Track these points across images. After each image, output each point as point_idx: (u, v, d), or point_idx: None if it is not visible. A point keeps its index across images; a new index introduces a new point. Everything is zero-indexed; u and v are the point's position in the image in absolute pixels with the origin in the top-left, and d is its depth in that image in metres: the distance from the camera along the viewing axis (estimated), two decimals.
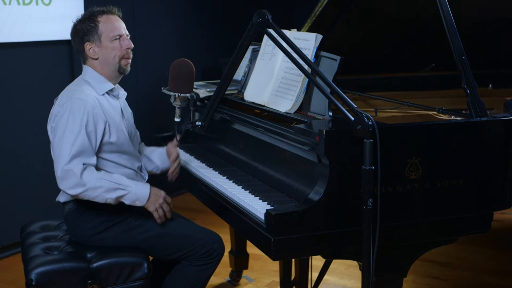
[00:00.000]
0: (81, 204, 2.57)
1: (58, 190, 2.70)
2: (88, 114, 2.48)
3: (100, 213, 2.56)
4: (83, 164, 2.42)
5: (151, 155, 2.88)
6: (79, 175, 2.40)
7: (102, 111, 2.53)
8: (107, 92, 2.62)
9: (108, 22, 2.59)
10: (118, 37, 2.60)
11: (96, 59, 2.60)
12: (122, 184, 2.47)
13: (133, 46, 2.64)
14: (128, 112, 2.75)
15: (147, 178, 2.78)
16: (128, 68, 2.66)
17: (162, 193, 2.57)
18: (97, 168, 2.51)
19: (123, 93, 2.73)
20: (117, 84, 2.70)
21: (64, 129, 2.46)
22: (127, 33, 2.65)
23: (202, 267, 2.57)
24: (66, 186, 2.43)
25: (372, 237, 2.00)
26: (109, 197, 2.45)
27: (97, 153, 2.53)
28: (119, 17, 2.65)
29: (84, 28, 2.58)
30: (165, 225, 2.61)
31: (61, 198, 2.63)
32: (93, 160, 2.48)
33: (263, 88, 2.65)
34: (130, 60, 2.65)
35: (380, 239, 2.02)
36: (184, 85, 2.63)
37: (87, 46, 2.59)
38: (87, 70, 2.64)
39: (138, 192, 2.50)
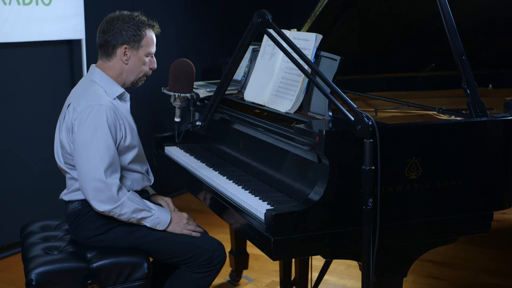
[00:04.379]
0: (85, 205, 2.56)
1: (58, 190, 2.71)
2: (109, 122, 2.47)
3: (102, 215, 2.55)
4: (118, 181, 2.46)
5: None
6: (116, 192, 2.43)
7: (118, 115, 2.53)
8: (117, 96, 2.62)
9: (150, 38, 2.64)
10: (151, 55, 2.65)
11: (126, 64, 2.60)
12: (148, 206, 2.52)
13: (156, 67, 2.69)
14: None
15: (153, 180, 2.78)
16: (140, 84, 2.72)
17: (184, 215, 2.63)
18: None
19: (128, 96, 2.73)
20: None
21: (88, 141, 2.44)
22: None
23: (201, 274, 2.56)
24: (97, 199, 2.44)
25: (372, 237, 2.01)
26: (134, 216, 2.49)
27: None
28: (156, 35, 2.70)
29: (130, 33, 2.58)
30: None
31: (65, 196, 2.63)
32: (120, 172, 2.52)
33: (263, 88, 2.65)
34: (145, 78, 2.71)
35: (380, 239, 2.02)
36: (184, 85, 2.63)
37: (124, 48, 2.58)
38: (95, 72, 2.62)
39: (160, 216, 2.54)
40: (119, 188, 2.45)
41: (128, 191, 2.52)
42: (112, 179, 2.44)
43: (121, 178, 2.56)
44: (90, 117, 2.45)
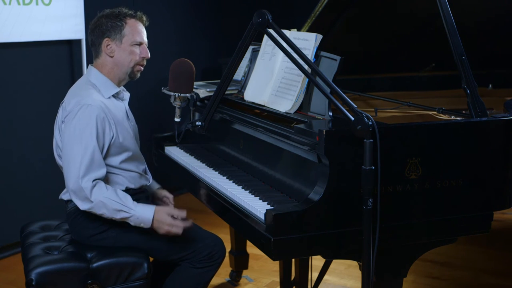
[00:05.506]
0: None
1: (58, 190, 2.71)
2: (97, 122, 2.47)
3: None
4: (93, 181, 2.43)
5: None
6: (89, 193, 2.41)
7: (109, 114, 2.53)
8: (112, 95, 2.62)
9: (134, 27, 2.61)
10: (139, 43, 2.62)
11: (111, 57, 2.60)
12: (127, 206, 2.45)
13: (149, 56, 2.66)
14: (131, 113, 2.76)
15: (151, 180, 2.79)
16: (138, 75, 2.69)
17: (167, 220, 2.47)
18: (105, 178, 2.51)
19: (127, 94, 2.73)
20: (121, 86, 2.70)
21: (73, 139, 2.45)
22: (147, 43, 2.67)
23: (203, 269, 2.57)
24: (76, 199, 2.46)
25: (372, 237, 2.01)
26: (114, 216, 2.46)
27: (104, 157, 2.53)
28: (145, 26, 2.67)
29: (109, 24, 2.58)
30: None
31: (65, 196, 2.64)
32: (102, 172, 2.48)
33: (263, 88, 2.65)
34: (142, 68, 2.68)
35: (380, 239, 2.02)
36: (184, 85, 2.62)
37: (106, 42, 2.59)
38: (92, 72, 2.64)
39: (141, 216, 2.46)
40: (93, 188, 2.42)
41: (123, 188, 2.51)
42: (85, 182, 2.41)
43: (114, 176, 2.57)
44: (76, 116, 2.47)
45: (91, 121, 2.46)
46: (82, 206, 2.45)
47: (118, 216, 2.45)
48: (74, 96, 2.55)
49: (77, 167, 2.42)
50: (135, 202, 2.49)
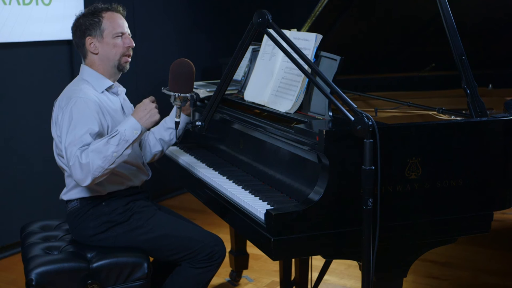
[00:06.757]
0: (84, 204, 2.57)
1: (58, 190, 2.71)
2: (92, 109, 2.47)
3: (102, 213, 2.56)
4: (78, 149, 2.35)
5: (157, 135, 2.88)
6: (80, 159, 2.32)
7: (103, 107, 2.54)
8: (106, 89, 2.63)
9: (111, 19, 2.61)
10: (120, 34, 2.62)
11: (96, 54, 2.61)
12: (110, 133, 2.40)
13: (134, 45, 2.66)
14: (128, 107, 2.76)
15: (150, 174, 2.79)
16: (127, 66, 2.68)
17: (144, 107, 2.48)
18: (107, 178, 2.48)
19: (122, 89, 2.74)
20: (116, 82, 2.71)
21: (66, 130, 2.43)
22: (129, 32, 2.67)
23: (203, 269, 2.57)
24: (79, 181, 2.36)
25: (372, 237, 2.01)
26: (112, 151, 2.34)
27: None
28: (123, 16, 2.67)
29: (87, 23, 2.59)
30: (166, 226, 2.61)
31: (65, 196, 2.64)
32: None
33: (263, 88, 2.65)
34: (129, 59, 2.67)
35: (380, 239, 2.02)
36: (184, 85, 2.62)
37: (88, 40, 2.60)
38: (84, 69, 2.65)
39: (127, 127, 2.40)
40: (81, 154, 2.33)
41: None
42: (72, 160, 2.33)
43: (114, 177, 2.56)
44: (71, 108, 2.45)
45: (86, 109, 2.45)
46: (86, 181, 2.33)
47: (112, 147, 2.34)
48: (67, 93, 2.57)
49: (70, 152, 2.36)
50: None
